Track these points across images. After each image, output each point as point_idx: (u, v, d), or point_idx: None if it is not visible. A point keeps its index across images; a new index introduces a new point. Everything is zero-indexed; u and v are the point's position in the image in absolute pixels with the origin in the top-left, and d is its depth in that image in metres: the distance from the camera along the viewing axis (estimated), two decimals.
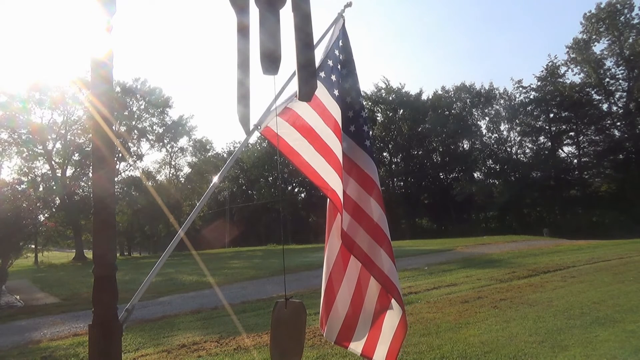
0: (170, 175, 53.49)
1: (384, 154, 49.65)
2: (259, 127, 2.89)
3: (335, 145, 2.88)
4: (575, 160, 40.70)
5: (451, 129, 44.54)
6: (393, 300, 2.91)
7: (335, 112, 2.97)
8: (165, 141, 49.15)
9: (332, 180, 2.83)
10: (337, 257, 3.12)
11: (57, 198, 38.50)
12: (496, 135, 45.42)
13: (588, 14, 38.13)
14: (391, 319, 2.94)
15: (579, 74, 40.07)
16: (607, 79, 38.02)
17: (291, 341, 2.26)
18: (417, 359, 4.95)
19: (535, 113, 41.53)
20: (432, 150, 50.08)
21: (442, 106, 47.39)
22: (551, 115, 40.87)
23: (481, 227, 40.08)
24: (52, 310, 10.41)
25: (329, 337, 3.09)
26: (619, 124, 38.23)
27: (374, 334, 2.98)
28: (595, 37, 38.13)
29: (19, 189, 15.09)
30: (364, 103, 3.41)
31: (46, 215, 35.58)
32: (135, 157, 45.86)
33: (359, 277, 3.07)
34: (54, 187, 38.05)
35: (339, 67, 3.15)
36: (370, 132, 3.42)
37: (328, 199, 3.05)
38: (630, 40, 35.92)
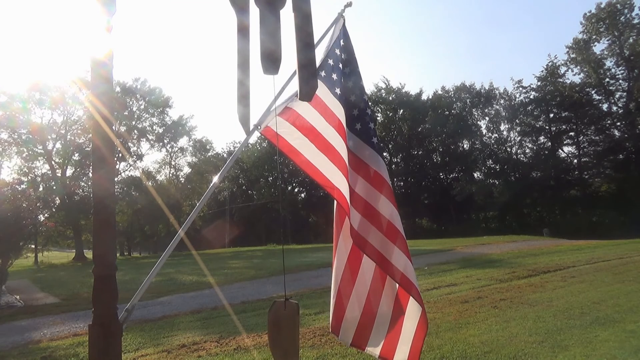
0: (170, 175, 53.49)
1: (384, 154, 49.56)
2: (259, 127, 2.89)
3: (339, 144, 2.86)
4: (575, 160, 40.66)
5: (451, 129, 44.48)
6: (411, 301, 2.85)
7: (338, 110, 2.96)
8: (165, 141, 49.13)
9: (336, 179, 2.81)
10: (348, 257, 3.07)
11: (57, 198, 38.47)
12: (496, 135, 45.38)
13: (588, 14, 38.09)
14: (410, 320, 2.88)
15: (579, 74, 40.04)
16: (607, 79, 37.97)
17: (290, 341, 2.26)
18: None
19: (535, 113, 41.48)
20: (432, 150, 50.02)
21: (442, 106, 47.32)
22: (551, 115, 40.82)
23: (481, 227, 40.01)
24: (52, 310, 10.40)
25: (344, 339, 3.05)
26: (619, 124, 38.19)
27: (393, 335, 2.93)
28: (595, 37, 38.07)
29: (19, 189, 15.07)
30: (368, 101, 3.40)
31: (46, 215, 35.62)
32: (135, 157, 45.87)
33: (373, 278, 3.02)
34: (54, 187, 38.04)
35: (340, 65, 3.15)
36: (377, 130, 3.39)
37: (335, 200, 3.02)
38: (631, 40, 35.86)
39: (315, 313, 7.69)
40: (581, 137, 39.99)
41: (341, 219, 3.11)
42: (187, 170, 53.98)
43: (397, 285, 2.88)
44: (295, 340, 2.28)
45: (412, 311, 2.88)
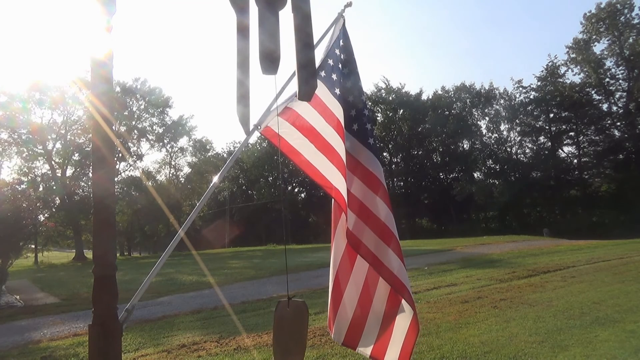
0: (170, 175, 53.53)
1: (384, 154, 49.66)
2: (259, 127, 2.89)
3: (338, 144, 2.87)
4: (575, 160, 40.67)
5: (451, 129, 44.50)
6: (403, 302, 2.85)
7: (337, 110, 2.96)
8: (165, 141, 49.19)
9: (335, 179, 2.81)
10: (342, 257, 3.08)
11: (57, 198, 38.50)
12: (496, 135, 45.39)
13: (588, 14, 38.09)
14: (402, 321, 2.88)
15: (579, 74, 40.05)
16: (607, 79, 37.96)
17: (293, 340, 2.26)
18: (417, 359, 4.95)
19: (535, 113, 41.48)
20: (432, 150, 50.03)
21: (442, 106, 47.34)
22: (551, 115, 40.82)
23: (481, 227, 40.03)
24: (52, 310, 10.40)
25: (336, 338, 3.06)
26: (619, 124, 38.19)
27: (385, 336, 2.93)
28: (595, 37, 38.07)
29: (19, 189, 15.09)
30: (366, 102, 3.39)
31: (46, 215, 35.64)
32: (135, 157, 45.91)
33: (366, 278, 3.02)
34: (54, 187, 38.06)
35: (339, 66, 3.15)
36: (374, 131, 3.34)
37: (333, 200, 3.03)
38: (630, 40, 35.86)
39: (315, 313, 7.69)
40: (581, 137, 40.00)
41: (339, 218, 3.12)
42: (187, 170, 54.12)
43: (390, 286, 2.89)
44: (298, 340, 2.27)
45: (404, 313, 2.88)
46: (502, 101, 44.67)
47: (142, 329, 7.47)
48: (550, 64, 40.58)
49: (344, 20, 3.29)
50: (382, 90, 50.23)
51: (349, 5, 3.28)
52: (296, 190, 56.76)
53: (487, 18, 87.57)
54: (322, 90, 2.98)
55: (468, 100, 46.68)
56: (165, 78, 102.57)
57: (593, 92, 39.20)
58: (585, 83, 39.20)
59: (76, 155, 40.29)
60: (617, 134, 38.29)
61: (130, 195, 43.97)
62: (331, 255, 3.15)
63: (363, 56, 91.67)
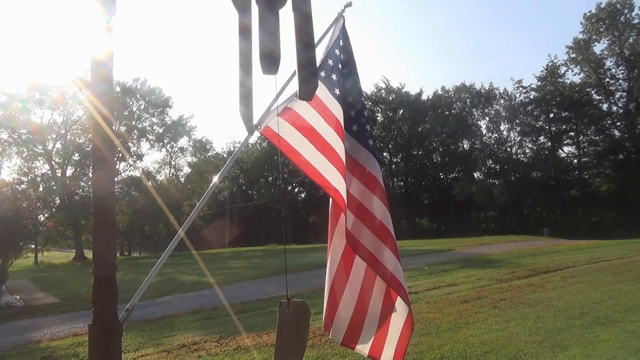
0: (170, 175, 53.50)
1: (384, 154, 49.70)
2: (259, 127, 2.89)
3: (337, 144, 2.87)
4: (575, 160, 40.68)
5: (451, 129, 44.51)
6: (399, 300, 2.88)
7: (337, 111, 2.96)
8: (165, 141, 49.16)
9: (335, 179, 2.82)
10: (340, 257, 3.10)
11: (57, 198, 38.50)
12: (496, 135, 45.41)
13: (588, 14, 38.11)
14: (397, 319, 2.92)
15: (579, 74, 40.08)
16: (607, 79, 37.97)
17: (293, 340, 2.26)
18: (417, 359, 4.95)
19: (535, 113, 41.51)
20: (432, 150, 50.05)
21: (442, 106, 47.34)
22: (551, 115, 40.84)
23: (481, 227, 40.03)
24: (52, 310, 10.40)
25: (335, 338, 3.08)
26: (619, 124, 38.21)
27: (381, 334, 2.97)
28: (595, 37, 38.09)
29: (19, 189, 15.10)
30: (365, 103, 3.40)
31: (46, 215, 35.67)
32: (135, 157, 45.89)
33: (363, 278, 3.05)
34: (54, 187, 38.06)
35: (339, 66, 3.15)
36: (373, 131, 3.39)
37: (330, 200, 3.04)
38: (631, 40, 35.87)
39: (315, 313, 7.66)
40: (581, 137, 40.02)
41: (336, 219, 3.13)
42: (187, 170, 54.10)
43: (386, 285, 2.91)
44: (298, 339, 2.27)
45: (400, 311, 2.92)
46: (502, 101, 44.73)
47: (142, 329, 7.46)
48: (550, 64, 40.65)
49: (344, 20, 3.29)
50: (382, 90, 50.24)
51: (348, 5, 3.28)
52: (296, 190, 56.75)
53: (487, 18, 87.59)
54: (322, 91, 2.98)
55: (468, 100, 46.70)
56: (165, 78, 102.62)
57: (593, 92, 39.23)
58: (585, 83, 39.21)
59: (76, 155, 40.30)
60: (617, 134, 38.34)
61: (130, 195, 43.95)
62: (328, 256, 3.16)
63: (363, 56, 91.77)
